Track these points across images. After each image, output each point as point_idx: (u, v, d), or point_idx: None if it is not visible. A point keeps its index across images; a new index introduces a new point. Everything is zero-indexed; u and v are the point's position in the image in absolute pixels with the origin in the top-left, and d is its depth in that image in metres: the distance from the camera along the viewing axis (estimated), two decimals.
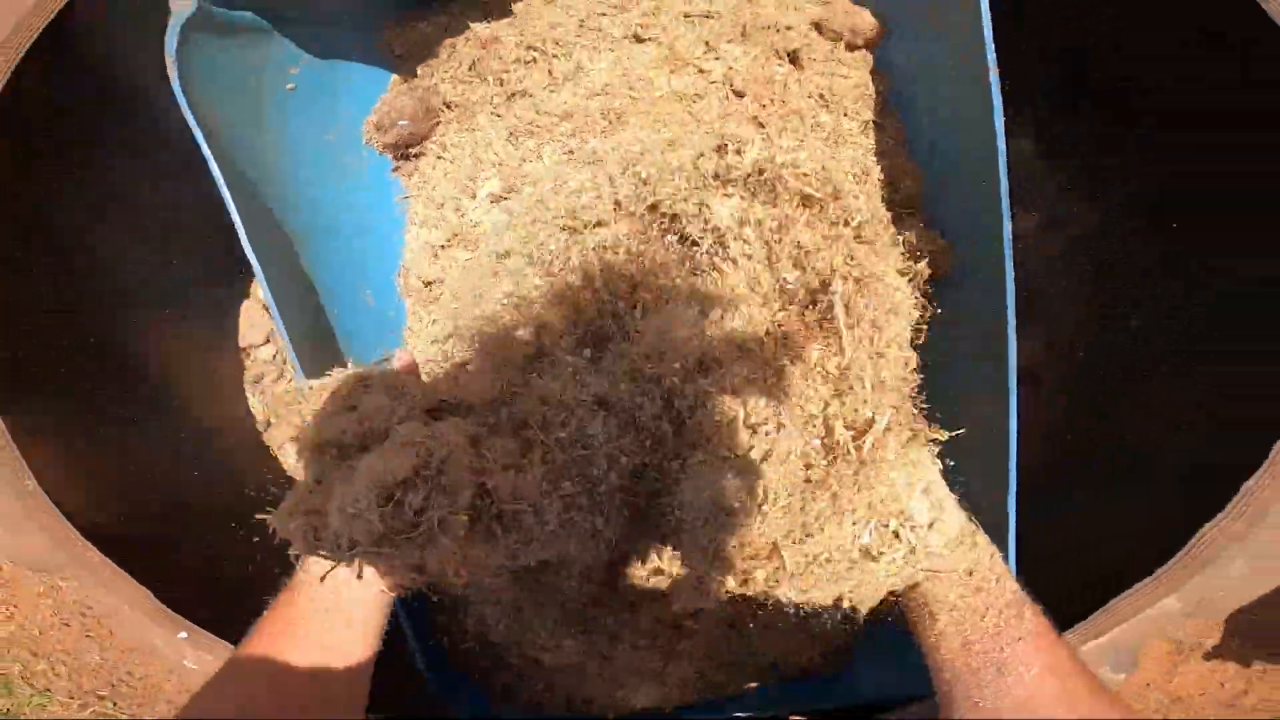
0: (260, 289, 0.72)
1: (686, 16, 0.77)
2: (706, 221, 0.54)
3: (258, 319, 0.99)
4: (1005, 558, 0.64)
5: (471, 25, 0.83)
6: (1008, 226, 0.62)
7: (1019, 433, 0.62)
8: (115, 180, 0.84)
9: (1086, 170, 0.92)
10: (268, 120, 0.76)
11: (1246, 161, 0.72)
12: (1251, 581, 0.63)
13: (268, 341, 1.01)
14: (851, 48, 0.81)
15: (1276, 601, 0.65)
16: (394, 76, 0.88)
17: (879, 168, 0.77)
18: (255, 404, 1.02)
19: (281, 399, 0.97)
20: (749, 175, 0.55)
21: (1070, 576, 0.72)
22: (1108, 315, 0.91)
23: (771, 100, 0.73)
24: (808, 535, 0.51)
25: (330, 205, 0.82)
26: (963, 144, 0.71)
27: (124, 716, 0.99)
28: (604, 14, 0.76)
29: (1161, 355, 0.83)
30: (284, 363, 1.02)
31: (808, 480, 0.50)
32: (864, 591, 0.52)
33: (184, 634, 0.80)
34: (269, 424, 1.03)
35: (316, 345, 0.78)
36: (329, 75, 0.82)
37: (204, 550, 0.88)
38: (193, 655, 0.78)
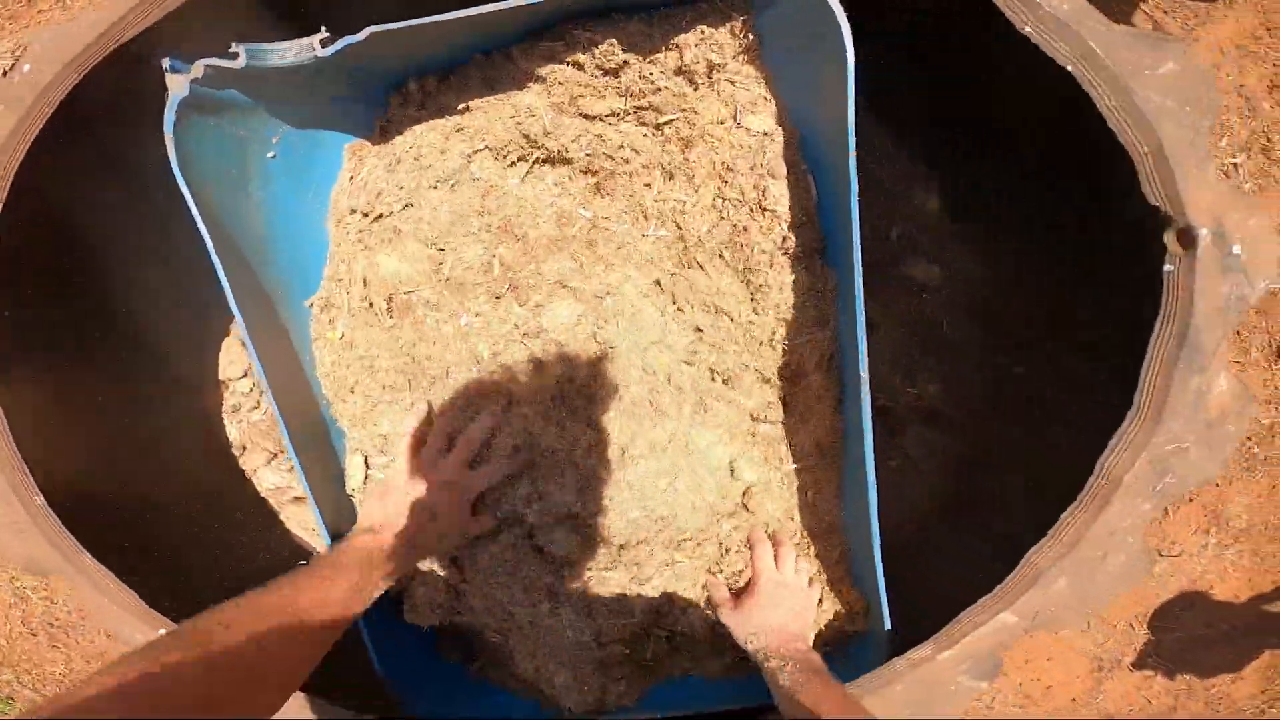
0: (246, 347, 0.90)
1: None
2: None
3: (236, 355, 1.17)
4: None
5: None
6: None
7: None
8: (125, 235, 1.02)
9: (983, 228, 1.10)
10: (252, 187, 0.95)
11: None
12: (1071, 595, 0.80)
13: (245, 375, 1.18)
14: None
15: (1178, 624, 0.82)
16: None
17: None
18: (233, 431, 1.19)
19: (256, 428, 1.15)
20: None
21: (935, 594, 0.91)
22: (997, 360, 1.09)
23: None
24: None
25: (304, 266, 1.00)
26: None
27: None
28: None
29: (1038, 399, 1.01)
30: (260, 394, 1.19)
31: None
32: None
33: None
34: (244, 449, 1.20)
35: (298, 399, 0.96)
36: (304, 143, 1.00)
37: (178, 561, 1.05)
38: None
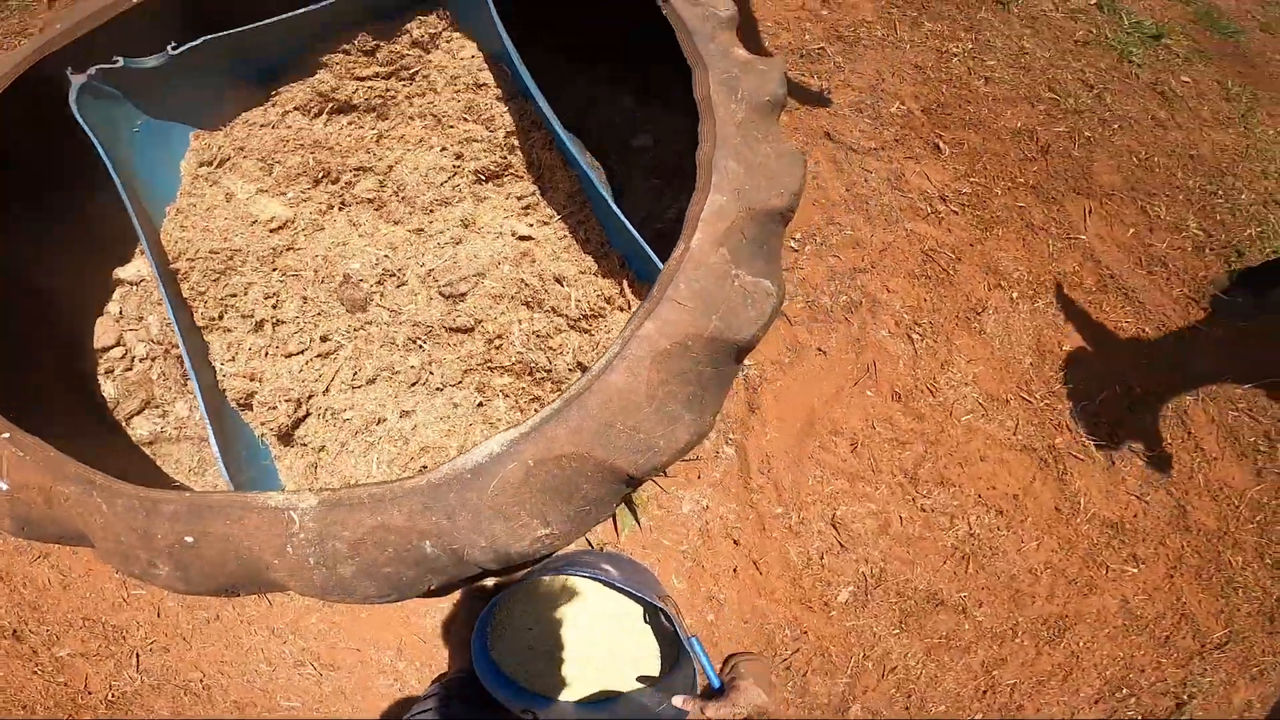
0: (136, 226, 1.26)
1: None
2: None
3: (110, 327, 1.46)
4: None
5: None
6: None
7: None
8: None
9: (658, 110, 1.67)
10: (125, 141, 1.38)
11: None
12: None
13: (117, 344, 1.46)
14: None
15: None
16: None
17: None
18: (108, 388, 1.43)
19: (128, 381, 1.41)
20: None
21: None
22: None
23: None
24: None
25: (167, 188, 1.42)
26: None
27: None
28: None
29: None
30: (133, 359, 1.46)
31: None
32: None
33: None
34: (118, 402, 1.42)
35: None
36: (160, 127, 1.45)
37: None
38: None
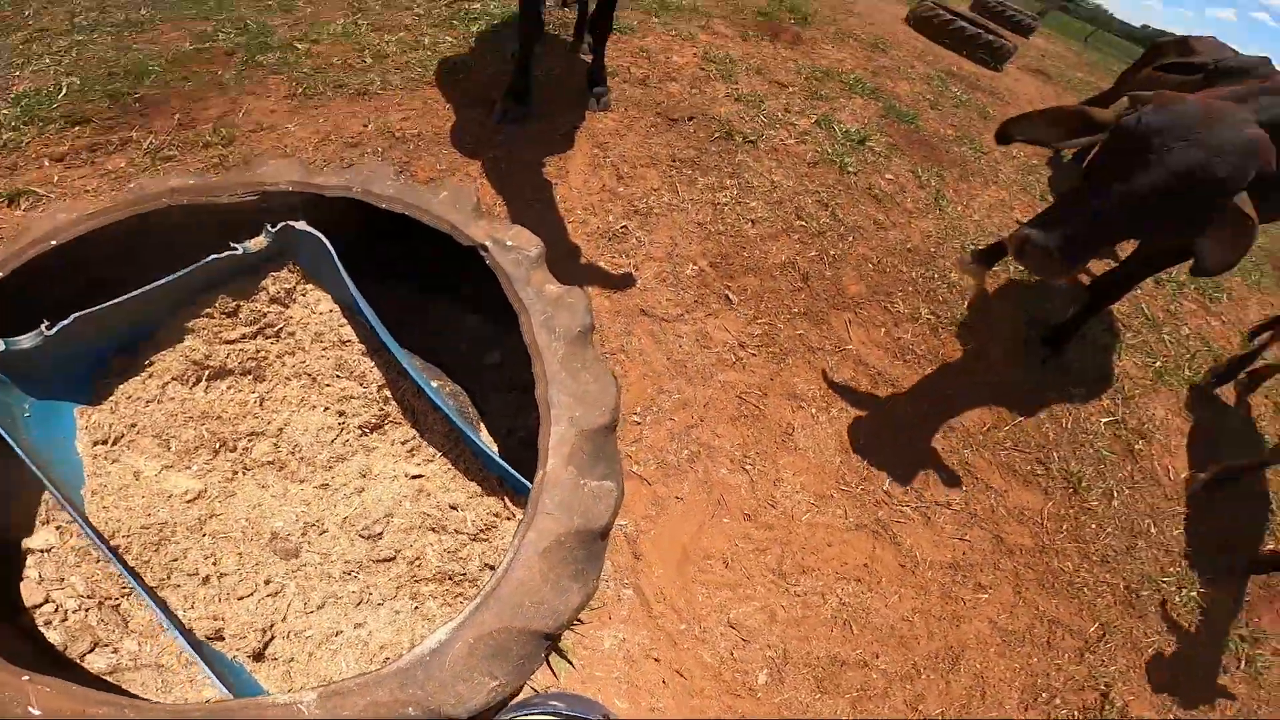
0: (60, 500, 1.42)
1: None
2: None
3: (34, 589, 1.54)
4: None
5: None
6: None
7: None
8: None
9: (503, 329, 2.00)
10: (22, 427, 1.52)
11: None
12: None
13: (46, 601, 1.54)
14: None
15: None
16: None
17: None
18: (53, 636, 1.49)
19: (70, 629, 1.52)
20: None
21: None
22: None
23: None
24: None
25: (73, 470, 1.57)
26: None
27: None
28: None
29: None
30: (66, 612, 1.55)
31: None
32: None
33: None
34: (66, 645, 1.51)
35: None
36: (49, 409, 1.58)
37: None
38: None
